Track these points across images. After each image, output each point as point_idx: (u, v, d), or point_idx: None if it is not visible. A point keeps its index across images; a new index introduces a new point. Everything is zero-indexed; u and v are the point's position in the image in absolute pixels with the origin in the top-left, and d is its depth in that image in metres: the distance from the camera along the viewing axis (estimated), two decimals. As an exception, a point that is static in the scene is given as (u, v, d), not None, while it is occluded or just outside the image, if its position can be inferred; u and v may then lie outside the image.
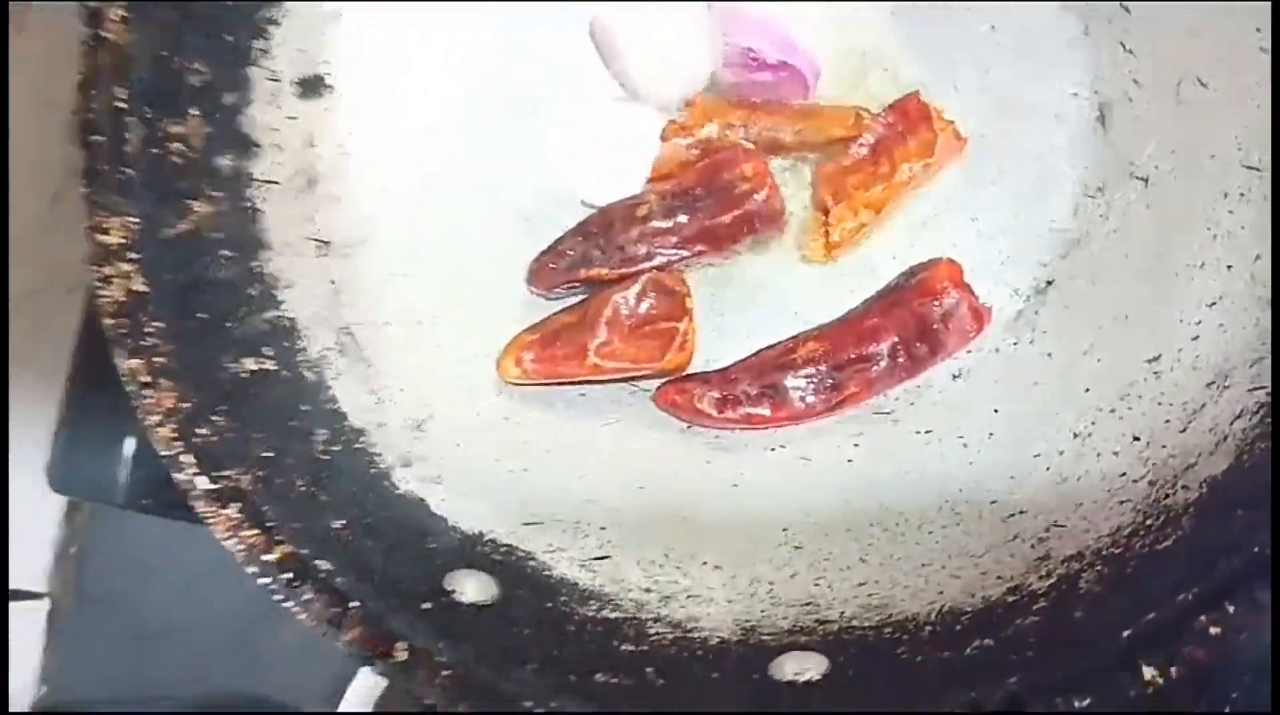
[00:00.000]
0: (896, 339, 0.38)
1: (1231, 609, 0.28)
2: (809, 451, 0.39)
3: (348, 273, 0.38)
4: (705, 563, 0.36)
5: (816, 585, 0.35)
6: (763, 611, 0.35)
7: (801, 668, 0.32)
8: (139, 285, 0.32)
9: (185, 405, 0.31)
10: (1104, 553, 0.33)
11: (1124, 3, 0.37)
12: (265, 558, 0.31)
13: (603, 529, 0.37)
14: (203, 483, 0.31)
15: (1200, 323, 0.35)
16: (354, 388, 0.36)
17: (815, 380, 0.38)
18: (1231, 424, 0.33)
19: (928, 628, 0.33)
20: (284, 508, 0.32)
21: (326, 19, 0.38)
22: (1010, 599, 0.33)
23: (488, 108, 0.40)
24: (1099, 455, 0.35)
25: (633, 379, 0.39)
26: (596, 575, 0.35)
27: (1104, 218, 0.38)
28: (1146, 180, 0.37)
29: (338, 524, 0.33)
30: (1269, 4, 0.33)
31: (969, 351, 0.39)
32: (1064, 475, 0.36)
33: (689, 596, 0.35)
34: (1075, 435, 0.36)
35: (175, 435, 0.31)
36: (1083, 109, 0.38)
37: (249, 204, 0.36)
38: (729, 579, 0.36)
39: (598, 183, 0.39)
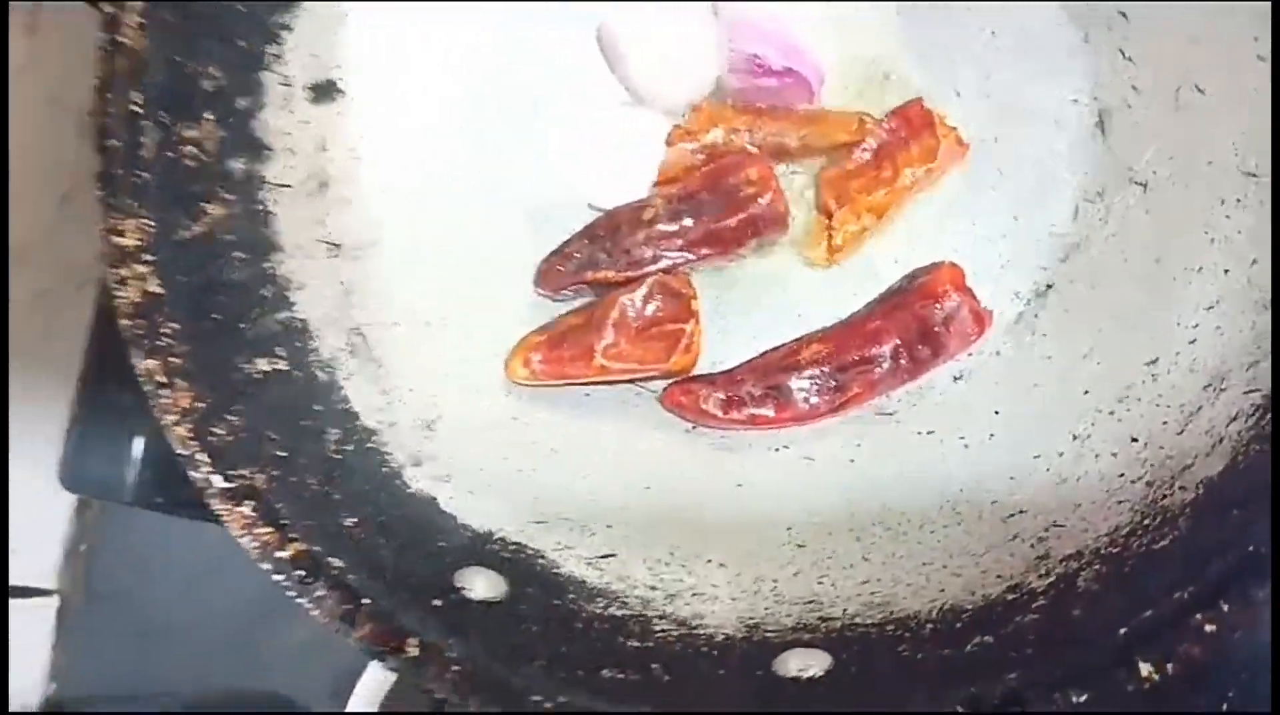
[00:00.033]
0: (899, 341, 0.38)
1: (1226, 607, 0.28)
2: (812, 451, 0.39)
3: (358, 274, 0.38)
4: (710, 561, 0.36)
5: (820, 583, 0.36)
6: (767, 609, 0.35)
7: (805, 664, 0.33)
8: (155, 287, 0.32)
9: (200, 405, 0.32)
10: (1102, 552, 0.33)
11: (1124, 1, 0.37)
12: (279, 555, 0.31)
13: (609, 527, 0.37)
14: (218, 481, 0.31)
15: (1197, 326, 0.35)
16: (365, 388, 0.37)
17: (819, 382, 0.38)
18: (1228, 426, 0.33)
19: (929, 625, 0.33)
20: (297, 506, 0.32)
21: (339, 24, 0.38)
22: (1010, 597, 0.33)
23: (495, 113, 0.40)
24: (1098, 456, 0.36)
25: (639, 380, 0.39)
26: (603, 573, 0.36)
27: (1103, 222, 0.38)
28: (1145, 185, 0.38)
29: (350, 522, 0.33)
30: (1267, 13, 0.33)
31: (970, 354, 0.39)
32: (1063, 476, 0.36)
33: (694, 594, 0.35)
34: (1074, 436, 0.36)
35: (191, 434, 0.31)
36: (1082, 115, 0.39)
37: (262, 207, 0.36)
38: (733, 577, 0.36)
39: (604, 186, 0.40)
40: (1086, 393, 0.37)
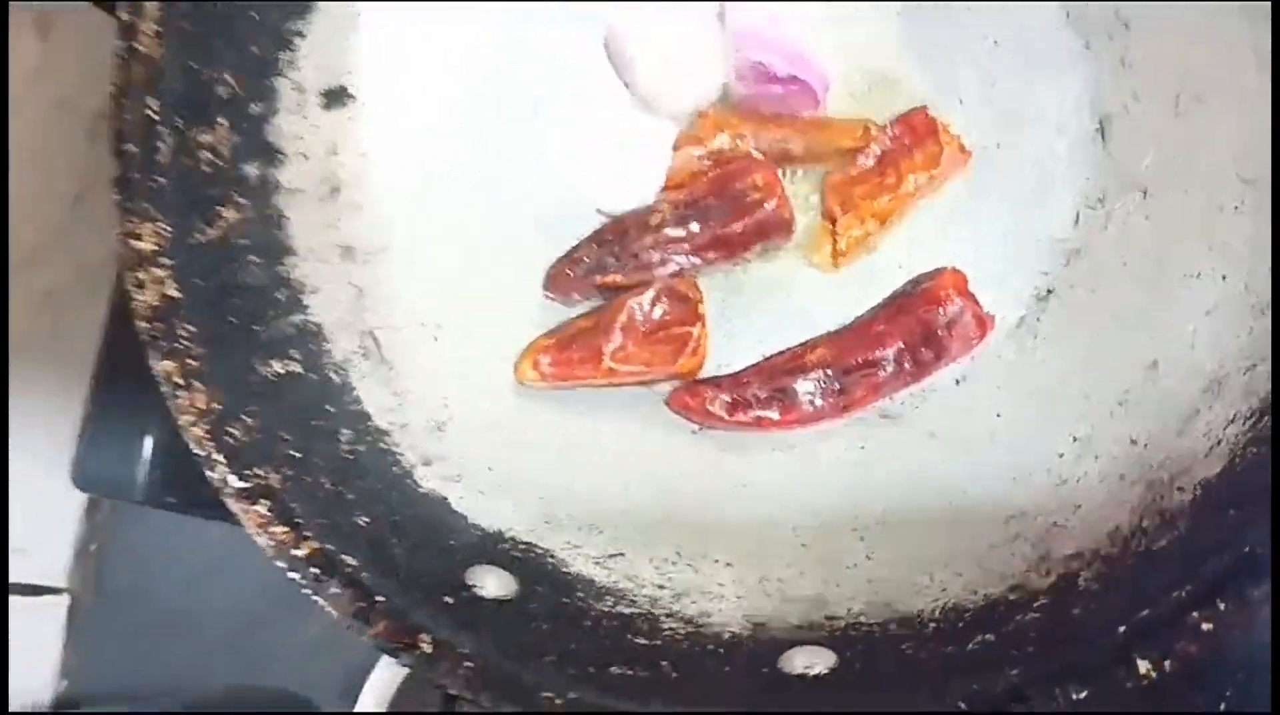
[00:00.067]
0: (902, 345, 0.38)
1: (1223, 606, 0.29)
2: (817, 453, 0.39)
3: (370, 278, 0.38)
4: (716, 560, 0.37)
5: (824, 582, 0.36)
6: (772, 608, 0.35)
7: (810, 662, 0.33)
8: (172, 290, 0.32)
9: (217, 406, 0.32)
10: (1102, 552, 0.33)
11: (1125, 1, 0.37)
12: (294, 553, 0.31)
13: (617, 527, 0.37)
14: (234, 481, 0.32)
15: (1196, 331, 0.35)
16: (377, 389, 0.37)
17: (823, 384, 0.38)
18: (1225, 429, 0.33)
19: (932, 624, 0.34)
20: (311, 505, 0.33)
21: (351, 31, 0.38)
22: (1011, 596, 0.34)
23: (503, 119, 0.41)
24: (1098, 458, 0.36)
25: (646, 382, 0.40)
26: (611, 572, 0.36)
27: (1104, 228, 0.39)
28: (1145, 192, 0.38)
29: (363, 521, 0.34)
30: (1266, 23, 0.34)
31: (972, 357, 0.39)
32: (1064, 477, 0.36)
33: (701, 593, 0.36)
34: (1075, 438, 0.37)
35: (207, 434, 0.32)
36: (1083, 122, 0.39)
37: (275, 211, 0.36)
38: (739, 576, 0.36)
39: (612, 192, 0.40)
40: (1087, 395, 0.37)
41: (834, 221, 0.40)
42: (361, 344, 0.37)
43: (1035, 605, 0.33)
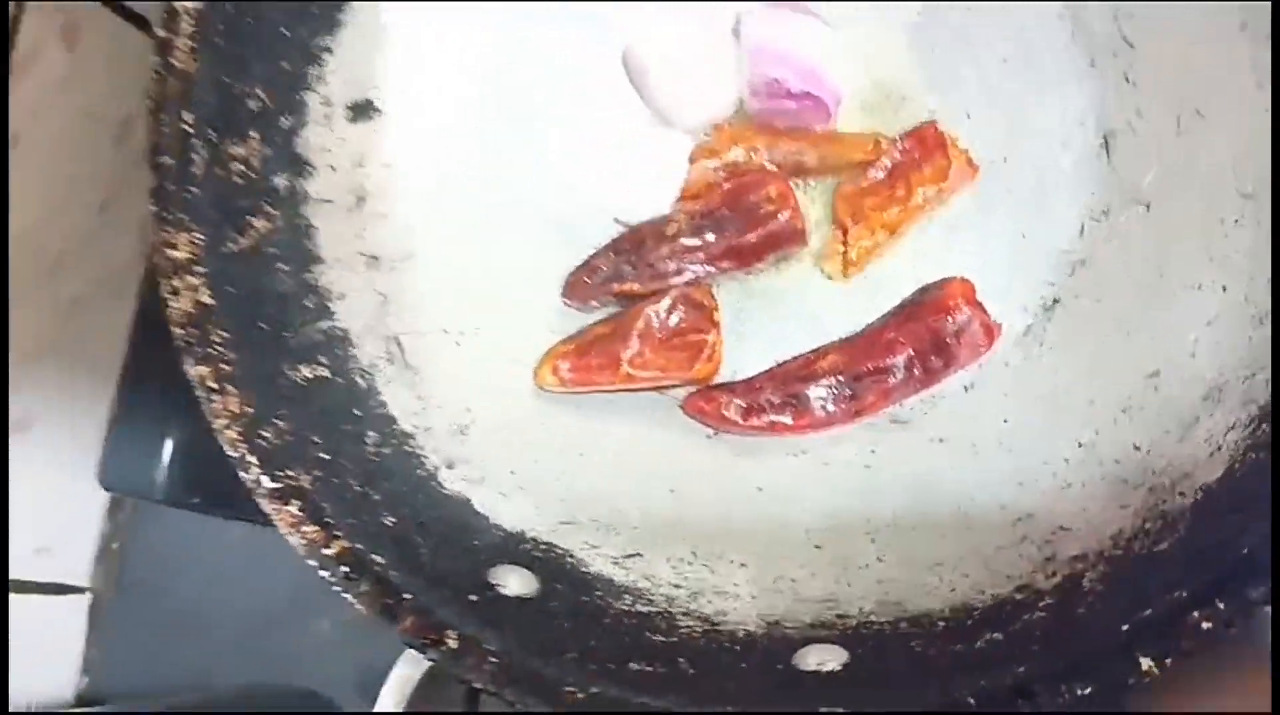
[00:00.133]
0: (912, 352, 0.39)
1: (1222, 606, 0.29)
2: (829, 457, 0.40)
3: (394, 286, 0.39)
4: (731, 561, 0.37)
5: (837, 582, 0.36)
6: (786, 607, 0.36)
7: (823, 659, 0.34)
8: (205, 297, 0.33)
9: (249, 409, 0.32)
10: (1105, 554, 0.34)
11: (1129, 1, 0.37)
12: (325, 552, 0.32)
13: (634, 528, 0.38)
14: (266, 482, 0.32)
15: (1197, 340, 0.36)
16: (402, 394, 0.37)
17: (835, 390, 0.39)
18: (1225, 435, 0.34)
19: (941, 623, 0.34)
20: (340, 505, 0.33)
21: (378, 46, 0.39)
22: (1018, 596, 0.34)
23: (525, 132, 0.41)
24: (1102, 463, 0.36)
25: (663, 387, 0.40)
26: (629, 571, 0.37)
27: (1107, 240, 0.39)
28: (1148, 205, 0.38)
29: (389, 521, 0.34)
30: (1266, 43, 0.34)
31: (980, 365, 0.40)
32: (1069, 481, 0.37)
33: (716, 592, 0.36)
34: (1080, 444, 0.37)
35: (240, 437, 0.32)
36: (1088, 137, 0.39)
37: (304, 221, 0.37)
38: (754, 576, 0.37)
39: (630, 202, 0.41)
40: (1091, 402, 0.38)
41: (845, 232, 0.40)
42: (387, 349, 0.38)
43: (1041, 605, 0.34)
